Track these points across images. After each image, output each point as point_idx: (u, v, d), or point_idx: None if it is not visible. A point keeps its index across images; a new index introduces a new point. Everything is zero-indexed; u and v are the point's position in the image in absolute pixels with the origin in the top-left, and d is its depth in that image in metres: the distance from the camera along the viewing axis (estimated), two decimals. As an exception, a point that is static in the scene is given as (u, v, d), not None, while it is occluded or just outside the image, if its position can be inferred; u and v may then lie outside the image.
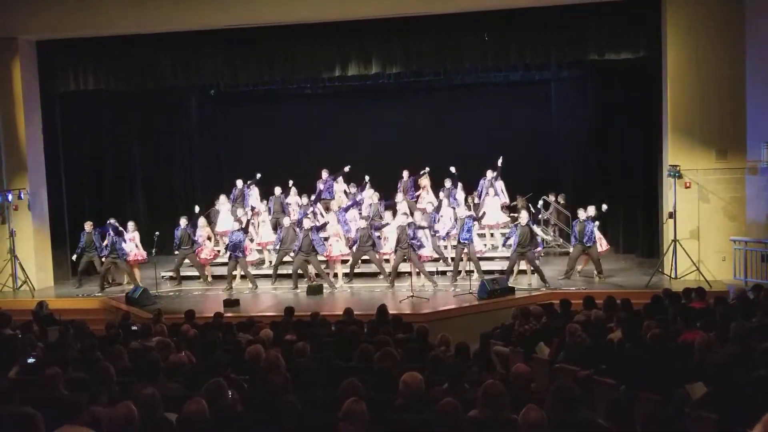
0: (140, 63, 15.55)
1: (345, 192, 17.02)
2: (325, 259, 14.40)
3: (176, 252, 15.05)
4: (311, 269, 14.42)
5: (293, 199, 16.62)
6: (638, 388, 5.84)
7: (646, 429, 4.64)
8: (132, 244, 14.84)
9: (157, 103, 17.97)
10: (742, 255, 13.10)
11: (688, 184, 13.51)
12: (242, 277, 14.77)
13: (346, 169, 16.76)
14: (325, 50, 15.09)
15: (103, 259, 14.77)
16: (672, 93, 13.67)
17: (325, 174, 16.79)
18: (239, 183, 16.98)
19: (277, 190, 16.72)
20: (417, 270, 13.73)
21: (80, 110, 16.64)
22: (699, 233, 13.58)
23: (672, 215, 13.39)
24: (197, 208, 16.05)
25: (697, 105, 13.50)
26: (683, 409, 5.27)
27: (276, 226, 15.82)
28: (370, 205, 15.95)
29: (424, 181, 17.00)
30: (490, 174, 15.99)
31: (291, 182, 16.95)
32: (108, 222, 14.97)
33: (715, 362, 5.73)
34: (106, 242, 14.69)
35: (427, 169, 16.86)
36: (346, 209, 15.40)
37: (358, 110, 19.45)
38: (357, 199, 16.00)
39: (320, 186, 16.64)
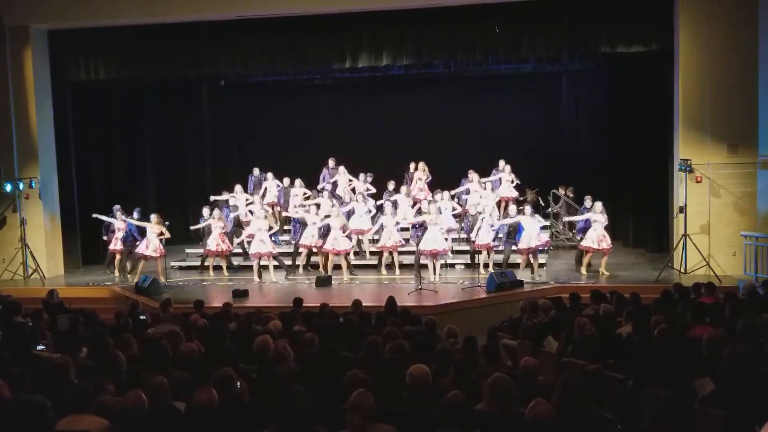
0: (151, 53, 15.56)
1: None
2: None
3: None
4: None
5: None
6: (646, 383, 5.83)
7: (653, 424, 4.62)
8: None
9: (168, 92, 18.01)
10: (752, 250, 13.03)
11: (699, 179, 13.44)
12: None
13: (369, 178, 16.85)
14: (336, 41, 15.06)
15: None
16: (684, 87, 13.59)
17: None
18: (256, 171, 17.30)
19: (286, 181, 16.86)
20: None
21: (91, 99, 16.66)
22: (709, 228, 13.53)
23: (682, 210, 13.33)
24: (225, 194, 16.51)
25: (708, 99, 13.43)
26: (691, 404, 5.26)
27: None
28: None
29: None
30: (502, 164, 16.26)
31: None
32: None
33: (724, 358, 5.71)
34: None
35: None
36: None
37: (368, 102, 19.43)
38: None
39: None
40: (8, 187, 14.92)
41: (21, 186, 14.97)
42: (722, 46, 13.32)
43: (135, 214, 14.83)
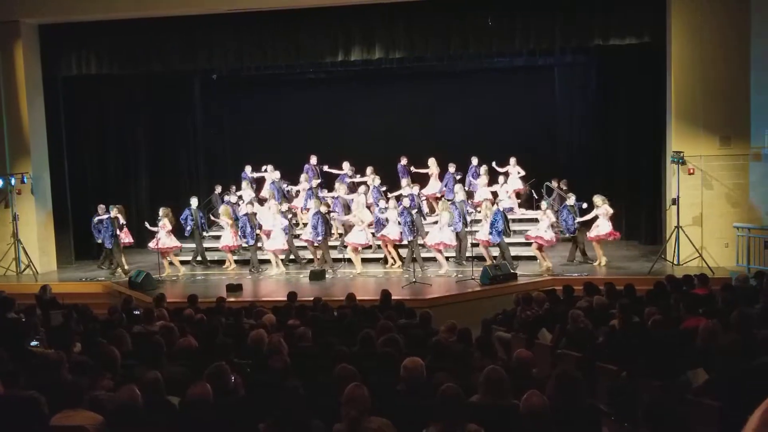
0: (143, 47, 15.50)
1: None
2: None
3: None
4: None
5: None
6: (640, 375, 5.85)
7: (647, 415, 4.64)
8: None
9: (160, 86, 17.91)
10: (744, 242, 13.08)
11: (691, 171, 13.47)
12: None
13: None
14: (328, 35, 15.02)
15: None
16: (676, 79, 13.61)
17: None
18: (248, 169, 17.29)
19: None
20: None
21: (83, 94, 16.59)
22: (702, 220, 13.57)
23: (675, 201, 13.37)
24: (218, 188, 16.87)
25: (701, 91, 13.45)
26: (685, 395, 5.28)
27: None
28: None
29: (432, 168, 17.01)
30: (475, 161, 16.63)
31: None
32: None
33: (718, 349, 5.73)
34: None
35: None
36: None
37: (361, 95, 19.38)
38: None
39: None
40: (0, 183, 14.85)
41: (13, 181, 14.89)
42: (714, 38, 13.34)
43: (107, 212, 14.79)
